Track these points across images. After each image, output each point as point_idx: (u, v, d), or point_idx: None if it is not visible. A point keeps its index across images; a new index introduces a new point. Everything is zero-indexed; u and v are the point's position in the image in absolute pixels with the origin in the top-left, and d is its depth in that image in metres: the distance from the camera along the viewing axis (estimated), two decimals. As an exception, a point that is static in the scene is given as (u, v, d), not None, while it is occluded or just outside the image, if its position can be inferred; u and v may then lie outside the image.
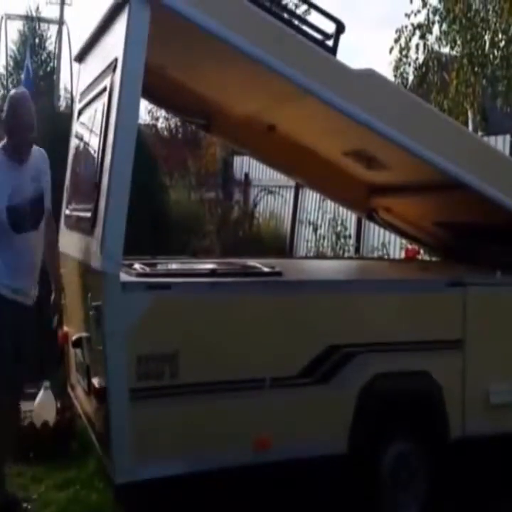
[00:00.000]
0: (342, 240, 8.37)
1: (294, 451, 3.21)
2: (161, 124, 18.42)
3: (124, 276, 3.10)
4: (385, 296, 3.52)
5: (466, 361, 3.59)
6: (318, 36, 3.55)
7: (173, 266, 4.17)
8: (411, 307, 3.55)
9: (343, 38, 3.56)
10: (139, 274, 3.35)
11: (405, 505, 3.51)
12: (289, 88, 3.33)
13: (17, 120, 3.53)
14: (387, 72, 10.54)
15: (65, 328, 4.12)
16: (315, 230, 8.95)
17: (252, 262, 4.00)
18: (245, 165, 12.04)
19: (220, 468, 3.06)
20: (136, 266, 3.55)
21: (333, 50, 3.51)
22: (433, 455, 3.54)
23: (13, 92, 3.80)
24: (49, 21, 25.24)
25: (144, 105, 12.51)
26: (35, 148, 3.70)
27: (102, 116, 3.30)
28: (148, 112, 20.04)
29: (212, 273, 3.59)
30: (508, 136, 8.04)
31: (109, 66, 3.29)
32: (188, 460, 3.03)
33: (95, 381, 3.08)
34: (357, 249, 8.39)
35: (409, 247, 6.22)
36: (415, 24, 10.06)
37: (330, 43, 3.55)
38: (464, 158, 3.63)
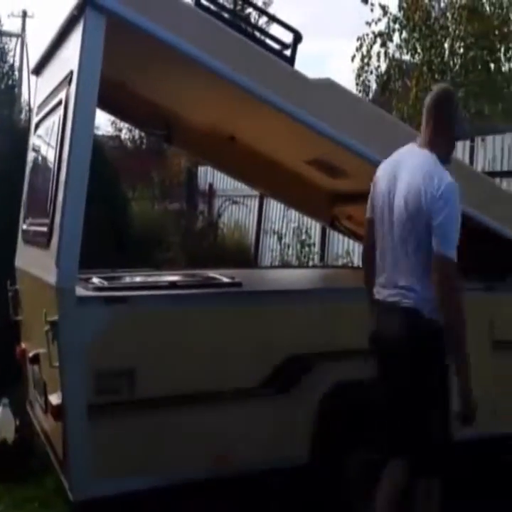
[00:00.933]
0: (306, 249, 8.39)
1: (255, 464, 3.20)
2: (124, 135, 18.38)
3: (80, 291, 3.07)
4: (343, 304, 3.54)
5: None
6: (277, 46, 3.58)
7: (133, 279, 4.14)
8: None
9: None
10: (96, 288, 3.32)
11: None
12: (248, 98, 3.34)
13: None
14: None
15: (23, 345, 4.06)
16: (279, 239, 8.97)
17: (213, 273, 3.99)
18: (210, 175, 12.03)
19: (180, 483, 3.03)
20: (94, 280, 3.51)
21: (291, 60, 3.53)
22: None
23: None
24: (10, 34, 25.00)
25: (107, 117, 12.43)
26: None
27: (58, 129, 3.28)
28: (112, 123, 19.99)
29: (171, 285, 3.57)
30: (468, 142, 8.18)
31: (64, 79, 3.27)
32: (147, 475, 3.00)
33: (52, 398, 3.04)
34: (321, 258, 8.42)
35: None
36: (376, 32, 10.19)
37: (288, 53, 3.58)
38: None
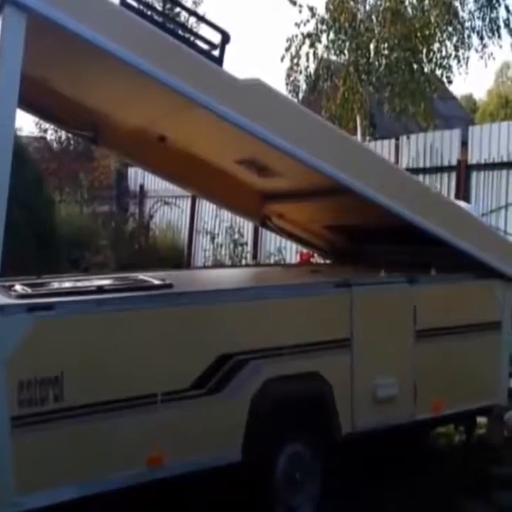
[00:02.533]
0: (239, 248, 8.43)
1: (189, 464, 3.19)
2: (50, 136, 17.87)
3: (2, 299, 2.98)
4: (273, 302, 3.57)
5: (353, 359, 3.71)
6: (205, 46, 3.56)
7: (60, 284, 4.04)
8: (300, 310, 3.63)
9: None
10: (20, 296, 3.22)
11: (301, 505, 3.57)
12: (176, 98, 3.30)
13: None
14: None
15: None
16: (212, 239, 8.98)
17: (144, 276, 3.94)
18: (140, 176, 11.91)
19: (114, 489, 2.99)
20: (17, 287, 3.41)
21: (219, 60, 3.52)
22: (325, 453, 3.62)
23: None
24: None
25: (32, 118, 12.11)
26: None
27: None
28: (36, 124, 19.43)
29: (99, 290, 3.50)
30: (393, 140, 8.40)
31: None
32: (79, 484, 2.94)
33: (-25, 412, 2.93)
34: (254, 256, 8.48)
35: (304, 251, 6.35)
36: (305, 33, 10.29)
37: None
38: (347, 163, 3.75)
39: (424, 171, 7.78)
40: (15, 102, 2.90)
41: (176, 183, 5.61)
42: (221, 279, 4.99)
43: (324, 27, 10.26)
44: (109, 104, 4.15)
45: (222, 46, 3.56)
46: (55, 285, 3.85)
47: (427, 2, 9.99)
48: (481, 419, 4.63)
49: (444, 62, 10.15)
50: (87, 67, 3.43)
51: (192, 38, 3.62)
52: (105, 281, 3.90)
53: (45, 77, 3.79)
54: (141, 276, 3.97)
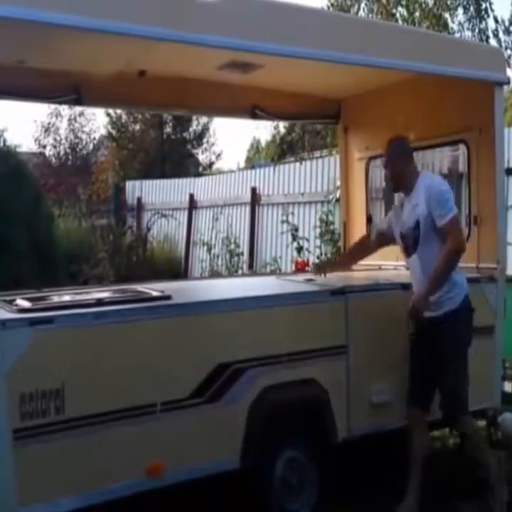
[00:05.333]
0: (235, 258, 8.51)
1: (189, 472, 3.25)
2: (48, 151, 18.02)
3: (3, 314, 3.04)
4: (270, 310, 3.64)
5: (349, 365, 3.78)
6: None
7: (60, 298, 4.11)
8: (297, 319, 3.70)
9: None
10: (20, 310, 3.28)
11: (299, 510, 3.63)
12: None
13: None
14: None
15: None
16: (209, 249, 9.05)
17: (142, 288, 4.01)
18: (137, 189, 12.01)
19: (114, 499, 3.04)
20: (18, 301, 3.47)
21: None
22: (323, 458, 3.69)
23: None
24: None
25: (30, 133, 12.10)
26: None
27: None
28: (36, 141, 19.61)
29: (98, 302, 3.57)
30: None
31: None
32: (79, 495, 2.99)
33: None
34: (250, 266, 8.55)
35: (299, 260, 6.44)
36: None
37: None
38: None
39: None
40: None
41: (165, 111, 5.55)
42: (218, 290, 5.05)
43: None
44: (87, 59, 4.05)
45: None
46: (55, 298, 3.91)
47: (417, 14, 10.11)
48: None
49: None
50: (61, 36, 3.39)
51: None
52: (104, 294, 3.96)
53: (22, 59, 3.85)
54: (140, 287, 4.03)
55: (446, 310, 3.79)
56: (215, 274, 8.51)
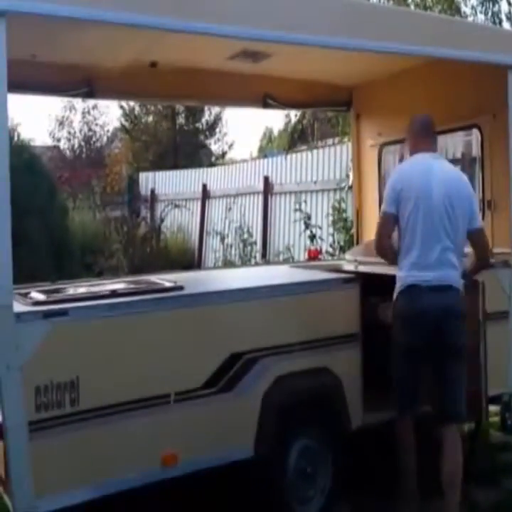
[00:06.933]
0: (248, 248, 8.51)
1: (203, 462, 3.27)
2: (63, 145, 18.12)
3: (18, 307, 3.06)
4: (283, 299, 3.64)
5: (363, 353, 3.77)
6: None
7: (74, 290, 4.14)
8: (309, 307, 3.70)
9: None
10: (35, 303, 3.30)
11: (313, 498, 3.66)
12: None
13: None
14: None
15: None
16: (222, 239, 9.07)
17: (156, 279, 4.03)
18: (151, 181, 12.04)
19: (128, 488, 3.07)
20: (33, 294, 3.50)
21: None
22: (337, 446, 3.71)
23: None
24: None
25: (45, 128, 12.14)
26: None
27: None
28: (50, 134, 19.70)
29: (112, 294, 3.59)
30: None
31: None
32: (95, 485, 3.02)
33: (-8, 418, 3.02)
34: (263, 255, 8.55)
35: (312, 248, 6.44)
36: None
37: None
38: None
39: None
40: (4, 91, 2.77)
41: (177, 102, 5.57)
42: (231, 279, 5.07)
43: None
44: (100, 49, 4.06)
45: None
46: (70, 291, 3.95)
47: (429, -2, 10.02)
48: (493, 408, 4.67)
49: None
50: (72, 29, 3.38)
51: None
52: (118, 285, 3.99)
53: (34, 53, 3.89)
54: (153, 278, 4.05)
55: None
56: (228, 263, 8.52)
